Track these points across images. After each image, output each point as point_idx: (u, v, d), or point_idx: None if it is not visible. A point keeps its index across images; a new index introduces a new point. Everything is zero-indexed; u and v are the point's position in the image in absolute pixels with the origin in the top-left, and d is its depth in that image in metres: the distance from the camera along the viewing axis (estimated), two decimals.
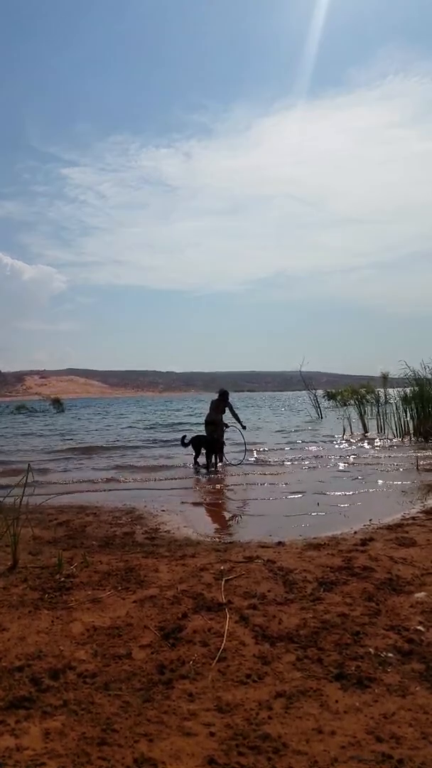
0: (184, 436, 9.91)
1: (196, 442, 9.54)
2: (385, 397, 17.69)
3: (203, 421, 10.46)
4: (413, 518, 4.98)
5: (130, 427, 22.55)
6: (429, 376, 12.98)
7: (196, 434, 9.73)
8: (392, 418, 13.86)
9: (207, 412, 10.48)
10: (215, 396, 10.50)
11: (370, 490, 6.82)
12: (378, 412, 15.69)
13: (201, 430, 10.39)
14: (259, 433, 16.36)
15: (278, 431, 17.30)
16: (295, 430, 17.37)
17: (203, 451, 9.58)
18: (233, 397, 10.79)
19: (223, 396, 10.33)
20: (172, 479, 8.40)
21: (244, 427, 10.41)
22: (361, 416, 15.73)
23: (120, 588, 3.08)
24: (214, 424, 10.20)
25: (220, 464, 9.95)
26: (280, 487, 7.26)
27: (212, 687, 1.99)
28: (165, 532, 4.85)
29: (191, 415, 29.19)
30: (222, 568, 3.40)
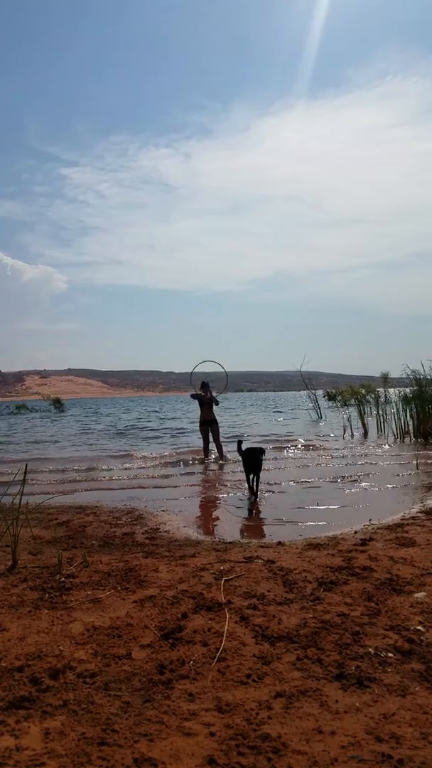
0: (241, 442, 7.60)
1: (246, 458, 6.87)
2: (385, 397, 17.68)
3: (198, 422, 10.45)
4: (413, 518, 4.98)
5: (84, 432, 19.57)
6: (429, 377, 12.96)
7: (249, 446, 7.12)
8: (392, 418, 13.86)
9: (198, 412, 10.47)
10: (201, 393, 10.43)
11: (370, 491, 6.82)
12: (378, 412, 15.69)
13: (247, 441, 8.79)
14: (260, 432, 16.37)
15: (279, 431, 17.29)
16: (297, 430, 17.37)
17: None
18: (233, 397, 10.79)
19: (207, 388, 10.33)
20: (172, 485, 8.40)
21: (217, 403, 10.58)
22: (362, 416, 15.72)
23: (120, 588, 3.08)
24: (210, 423, 10.20)
25: (225, 458, 9.97)
26: (280, 487, 7.26)
27: (212, 687, 1.99)
28: (165, 532, 4.85)
29: (171, 419, 27.88)
30: (222, 568, 3.40)
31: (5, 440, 16.74)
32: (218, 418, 10.72)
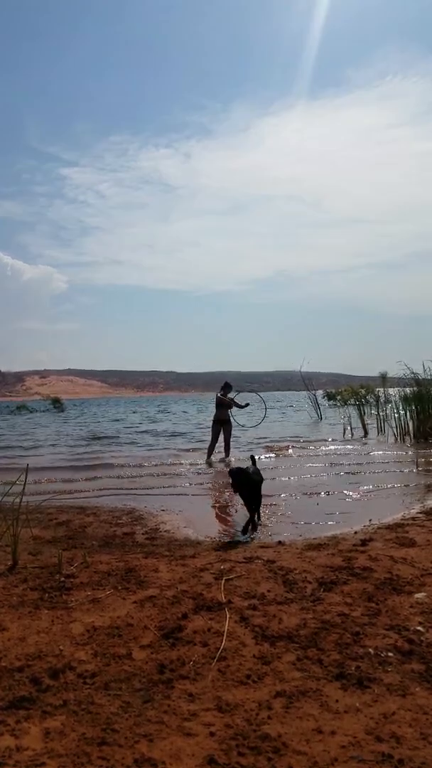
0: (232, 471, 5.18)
1: (239, 486, 4.91)
2: (385, 397, 17.68)
3: (212, 420, 10.49)
4: (413, 518, 4.98)
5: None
6: (429, 377, 12.95)
7: (238, 468, 5.07)
8: (392, 418, 13.85)
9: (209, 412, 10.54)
10: (219, 393, 10.52)
11: (370, 491, 6.82)
12: (378, 412, 15.68)
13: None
14: (259, 434, 16.38)
15: (278, 432, 17.29)
16: (296, 431, 17.37)
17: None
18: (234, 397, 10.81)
19: (227, 389, 10.41)
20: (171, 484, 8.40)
21: (242, 406, 10.64)
22: (361, 417, 15.71)
23: (120, 588, 3.08)
24: (222, 423, 10.24)
25: (229, 459, 9.99)
26: (280, 488, 7.25)
27: (212, 687, 1.99)
28: (165, 532, 4.85)
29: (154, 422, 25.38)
30: (222, 568, 3.40)
31: None
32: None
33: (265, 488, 7.17)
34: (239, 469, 4.91)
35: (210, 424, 10.77)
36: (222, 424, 10.30)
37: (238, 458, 10.25)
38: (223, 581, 3.11)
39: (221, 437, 10.40)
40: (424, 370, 13.00)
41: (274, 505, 6.08)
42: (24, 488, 3.88)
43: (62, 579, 3.25)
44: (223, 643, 2.32)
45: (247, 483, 4.83)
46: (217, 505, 6.50)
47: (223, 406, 10.32)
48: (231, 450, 10.45)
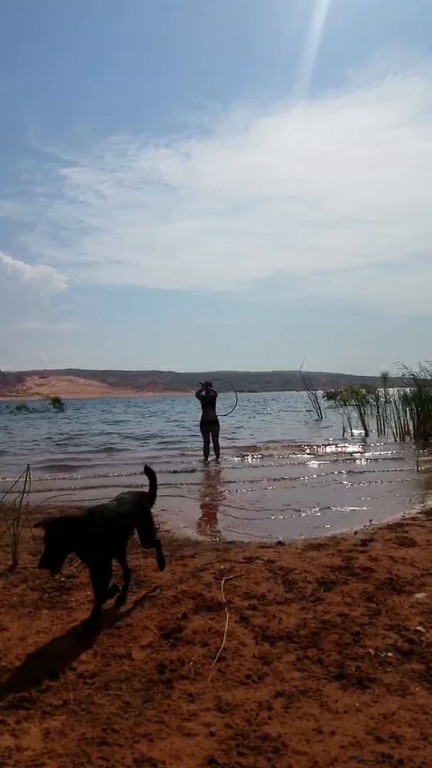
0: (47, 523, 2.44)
1: (55, 543, 2.37)
2: (385, 397, 17.67)
3: (200, 422, 10.47)
4: (413, 518, 4.98)
5: None
6: (428, 377, 12.95)
7: (58, 519, 2.44)
8: (392, 418, 13.85)
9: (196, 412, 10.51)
10: (203, 393, 10.45)
11: (370, 491, 6.82)
12: (378, 412, 15.67)
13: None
14: (264, 432, 16.38)
15: (279, 433, 17.30)
16: (297, 432, 17.38)
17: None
18: (229, 397, 10.83)
19: (210, 386, 10.41)
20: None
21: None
22: (361, 417, 15.71)
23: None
24: (210, 423, 10.24)
25: (219, 460, 9.97)
26: (280, 487, 7.26)
27: (212, 687, 1.99)
28: (165, 532, 4.84)
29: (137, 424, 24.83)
30: (222, 567, 3.40)
31: None
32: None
33: (263, 490, 7.20)
34: (59, 520, 2.45)
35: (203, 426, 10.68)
36: (210, 425, 10.29)
37: (226, 457, 10.25)
38: (223, 581, 3.11)
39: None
40: (421, 370, 13.01)
41: (272, 504, 6.08)
42: (25, 488, 3.88)
43: (62, 579, 3.25)
44: (223, 643, 2.32)
45: (80, 538, 2.47)
46: (216, 505, 6.50)
47: (207, 405, 10.31)
48: (221, 451, 10.44)
